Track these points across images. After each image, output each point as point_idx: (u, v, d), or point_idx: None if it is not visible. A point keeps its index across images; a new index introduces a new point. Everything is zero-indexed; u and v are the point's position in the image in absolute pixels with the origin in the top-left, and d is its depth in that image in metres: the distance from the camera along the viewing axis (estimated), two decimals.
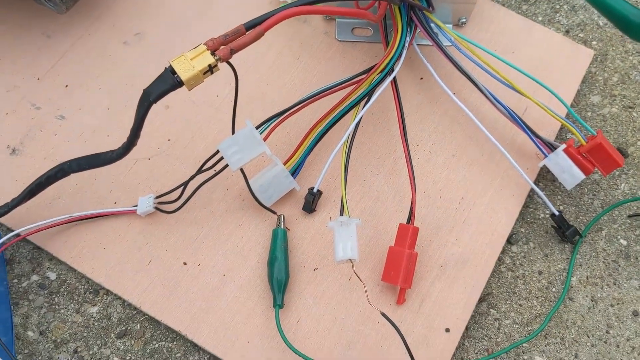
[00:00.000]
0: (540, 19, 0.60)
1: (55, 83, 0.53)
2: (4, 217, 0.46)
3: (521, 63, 0.51)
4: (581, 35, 0.60)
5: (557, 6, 0.61)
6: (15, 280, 0.47)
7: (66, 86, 0.53)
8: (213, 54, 0.38)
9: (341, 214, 0.44)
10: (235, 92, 0.42)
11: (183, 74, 0.37)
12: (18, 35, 0.55)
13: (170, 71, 0.38)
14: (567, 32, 0.60)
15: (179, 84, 0.38)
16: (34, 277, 0.47)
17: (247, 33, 0.39)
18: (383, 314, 0.42)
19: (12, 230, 0.46)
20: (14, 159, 0.50)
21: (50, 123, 0.51)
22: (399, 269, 0.44)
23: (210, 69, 0.38)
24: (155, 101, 0.38)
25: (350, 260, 0.42)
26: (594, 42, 0.59)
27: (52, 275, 0.47)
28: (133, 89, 0.52)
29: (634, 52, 0.59)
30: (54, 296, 0.47)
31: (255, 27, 0.39)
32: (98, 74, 0.53)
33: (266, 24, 0.39)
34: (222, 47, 0.39)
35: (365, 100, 0.48)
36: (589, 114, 0.56)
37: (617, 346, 0.47)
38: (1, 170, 0.49)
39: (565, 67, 0.55)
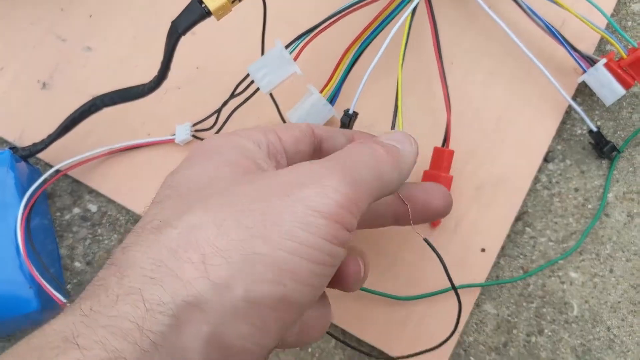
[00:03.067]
0: None
1: (79, 13, 0.52)
2: (41, 153, 0.46)
3: None
4: None
5: None
6: (58, 214, 0.48)
7: (90, 16, 0.51)
8: None
9: (392, 127, 0.43)
10: (263, 15, 0.41)
11: (211, 3, 0.36)
12: None
13: (198, 1, 0.37)
14: None
15: (207, 14, 0.37)
16: (76, 210, 0.48)
17: None
18: (426, 240, 0.42)
19: (51, 166, 0.47)
20: (46, 94, 0.50)
21: (78, 55, 0.50)
22: None
23: None
24: (184, 33, 0.38)
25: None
26: None
27: (93, 208, 0.48)
28: (157, 17, 0.51)
29: None
30: (96, 227, 0.48)
31: None
32: (121, 1, 0.52)
33: None
34: None
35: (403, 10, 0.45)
36: (630, 23, 0.53)
37: None
38: (34, 105, 0.49)
39: None
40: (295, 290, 0.25)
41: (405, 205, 0.36)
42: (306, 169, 0.28)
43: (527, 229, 0.48)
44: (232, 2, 0.37)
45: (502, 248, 0.47)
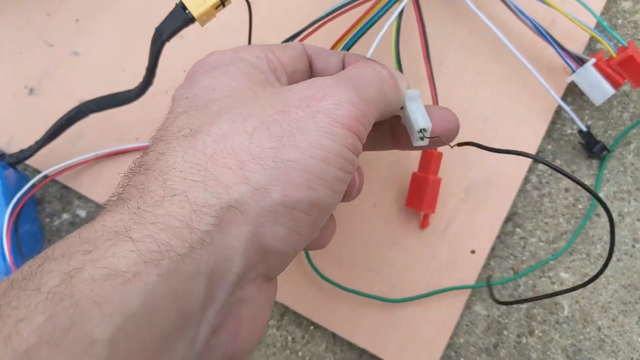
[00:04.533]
0: None
1: (66, 18, 0.51)
2: (30, 159, 0.46)
3: None
4: None
5: None
6: (48, 219, 0.48)
7: (77, 20, 0.51)
8: None
9: None
10: (249, 22, 0.41)
11: (194, 9, 0.36)
12: None
13: (182, 7, 0.37)
14: None
15: (191, 20, 0.37)
16: (65, 216, 0.48)
17: None
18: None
19: (40, 171, 0.47)
20: (33, 99, 0.49)
21: (66, 60, 0.50)
22: (423, 195, 0.44)
23: (222, 3, 0.37)
24: (168, 39, 0.37)
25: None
26: None
27: (82, 213, 0.48)
28: (144, 21, 0.51)
29: None
30: None
31: None
32: (109, 5, 0.52)
33: None
34: None
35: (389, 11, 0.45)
36: (620, 21, 0.53)
37: None
38: (22, 111, 0.49)
39: None
40: (325, 195, 0.27)
41: (403, 125, 0.36)
42: (321, 83, 0.29)
43: (518, 229, 0.48)
44: (216, 8, 0.37)
45: (492, 249, 0.47)
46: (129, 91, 0.42)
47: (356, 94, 0.29)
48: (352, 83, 0.29)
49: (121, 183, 0.28)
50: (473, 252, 0.46)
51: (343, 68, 0.36)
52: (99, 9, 0.51)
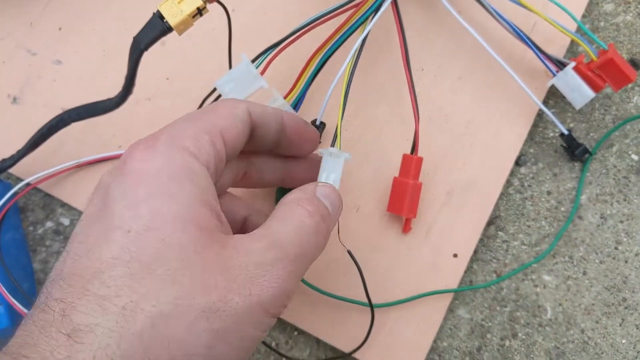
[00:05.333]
0: None
1: (48, 27, 0.51)
2: (12, 167, 0.46)
3: None
4: None
5: None
6: (31, 228, 0.48)
7: (60, 29, 0.51)
8: None
9: (332, 144, 0.44)
10: (229, 31, 0.41)
11: (171, 19, 0.36)
12: None
13: (159, 16, 0.37)
14: None
15: (169, 29, 0.37)
16: (49, 224, 0.48)
17: None
18: (349, 252, 0.43)
19: (22, 180, 0.47)
20: (16, 108, 0.50)
21: (48, 69, 0.50)
22: (404, 199, 0.44)
23: (199, 12, 0.37)
24: (146, 49, 0.38)
25: None
26: None
27: (66, 221, 0.48)
28: (126, 30, 0.50)
29: None
30: None
31: None
32: (91, 15, 0.52)
33: None
34: None
35: (369, 20, 0.46)
36: (602, 23, 0.53)
37: (626, 262, 0.48)
38: (4, 120, 0.49)
39: None
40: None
41: (291, 176, 0.41)
42: (261, 257, 0.30)
43: (500, 232, 0.48)
44: (193, 17, 0.37)
45: (475, 252, 0.47)
46: (110, 100, 0.42)
47: (294, 278, 0.31)
48: (291, 261, 0.31)
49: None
50: (455, 255, 0.46)
51: (283, 129, 0.37)
52: (81, 18, 0.52)
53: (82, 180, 0.48)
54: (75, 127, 0.45)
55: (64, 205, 0.48)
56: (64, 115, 0.44)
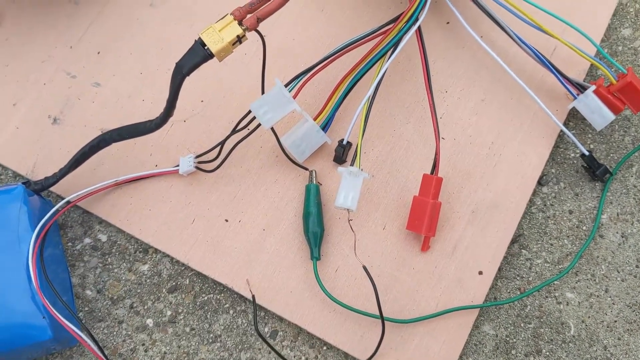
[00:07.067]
0: None
1: (87, 50, 0.54)
2: (53, 186, 0.48)
3: (547, 1, 0.50)
4: None
5: None
6: (70, 244, 0.50)
7: (98, 53, 0.54)
8: (240, 23, 0.39)
9: (352, 163, 0.45)
10: (263, 58, 0.43)
11: (213, 46, 0.38)
12: (46, 5, 0.55)
13: (200, 43, 0.39)
14: None
15: (210, 56, 0.39)
16: (87, 240, 0.50)
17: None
18: (364, 268, 0.44)
19: (62, 198, 0.49)
20: (56, 129, 0.52)
21: (87, 91, 0.53)
22: (423, 218, 0.46)
23: (239, 40, 0.39)
24: (188, 74, 0.40)
25: (348, 209, 0.44)
26: None
27: (103, 238, 0.50)
28: (162, 52, 0.53)
29: None
30: (106, 257, 0.50)
31: None
32: (128, 38, 0.54)
33: None
34: (248, 15, 0.39)
35: (391, 51, 0.48)
36: (620, 48, 0.55)
37: None
38: (45, 140, 0.51)
39: (593, 3, 0.54)
40: None
41: None
42: None
43: (523, 251, 0.49)
44: (233, 45, 0.39)
45: (499, 270, 0.49)
46: (150, 121, 0.44)
47: None
48: None
49: None
50: (481, 273, 0.47)
51: None
52: (119, 42, 0.54)
53: (119, 198, 0.50)
54: (113, 147, 0.47)
55: (101, 222, 0.50)
56: (106, 135, 0.46)
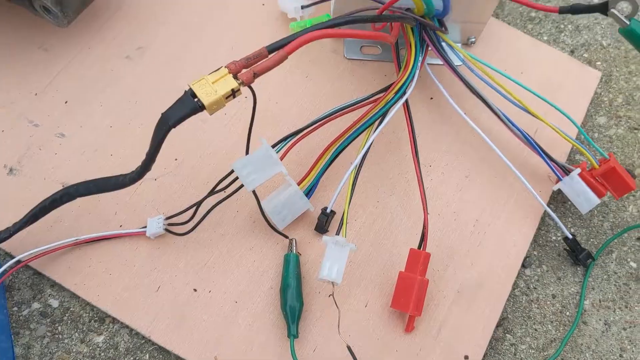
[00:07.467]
0: (545, 38, 0.60)
1: (54, 99, 0.50)
2: (3, 242, 0.43)
3: (530, 83, 0.51)
4: (585, 55, 0.60)
5: (562, 26, 0.61)
6: (15, 308, 0.45)
7: (66, 102, 0.50)
8: (235, 77, 0.37)
9: (337, 233, 0.43)
10: (252, 114, 0.41)
11: (205, 98, 0.36)
12: (13, 49, 0.52)
13: (191, 94, 0.36)
14: (572, 52, 0.60)
15: (200, 108, 0.36)
16: (35, 305, 0.45)
17: (269, 56, 0.38)
18: (349, 348, 0.41)
19: (12, 255, 0.44)
20: (12, 179, 0.47)
21: (50, 141, 0.49)
22: (410, 296, 0.43)
23: (233, 93, 0.36)
24: (174, 126, 0.37)
25: (332, 282, 0.41)
26: (598, 63, 0.59)
27: (55, 303, 0.45)
28: (136, 106, 0.50)
29: (637, 73, 0.59)
30: (56, 325, 0.44)
31: (279, 50, 0.38)
32: (99, 89, 0.51)
33: (290, 47, 0.38)
34: (244, 70, 0.37)
35: (378, 121, 0.47)
36: (596, 135, 0.56)
37: None
38: None
39: (573, 89, 0.56)
40: None
41: None
42: None
43: (508, 335, 0.47)
44: (226, 98, 0.36)
45: (484, 355, 0.46)
46: (124, 175, 0.40)
47: None
48: None
49: None
50: (466, 357, 0.44)
51: None
52: (89, 92, 0.51)
53: (77, 260, 0.45)
54: (75, 202, 0.43)
55: (54, 285, 0.45)
56: (70, 189, 0.42)
